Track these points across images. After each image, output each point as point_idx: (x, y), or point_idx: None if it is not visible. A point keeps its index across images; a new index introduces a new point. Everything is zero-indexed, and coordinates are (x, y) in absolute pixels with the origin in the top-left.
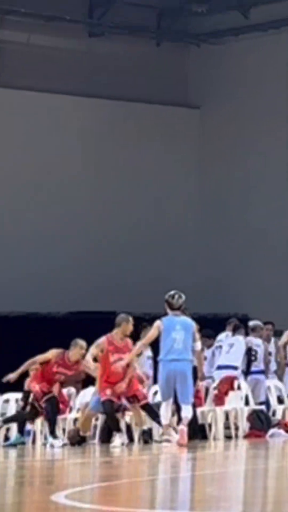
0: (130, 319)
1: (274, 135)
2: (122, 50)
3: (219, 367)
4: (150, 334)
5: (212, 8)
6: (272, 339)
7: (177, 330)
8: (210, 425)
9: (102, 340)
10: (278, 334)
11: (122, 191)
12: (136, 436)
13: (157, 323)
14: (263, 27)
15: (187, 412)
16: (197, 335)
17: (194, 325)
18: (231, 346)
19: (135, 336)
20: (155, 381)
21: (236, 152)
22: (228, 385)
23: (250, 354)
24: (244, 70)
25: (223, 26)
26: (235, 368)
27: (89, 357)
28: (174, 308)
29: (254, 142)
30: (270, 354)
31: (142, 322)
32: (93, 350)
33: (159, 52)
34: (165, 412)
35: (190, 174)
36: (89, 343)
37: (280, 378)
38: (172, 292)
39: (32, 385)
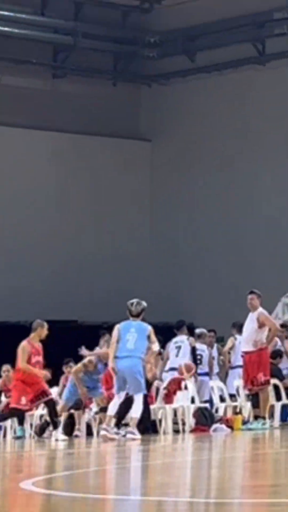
0: (45, 324)
1: (219, 166)
2: (82, 90)
3: (171, 369)
4: (113, 336)
5: (162, 53)
6: (215, 345)
7: (131, 332)
8: (160, 421)
9: (26, 344)
10: (219, 340)
11: (84, 216)
12: (95, 430)
13: (116, 326)
14: (208, 69)
15: (134, 411)
16: (154, 338)
17: (149, 329)
18: (178, 349)
19: (96, 343)
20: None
21: (183, 180)
22: (176, 385)
23: (195, 356)
24: (191, 107)
25: (171, 68)
26: None
27: (25, 363)
28: (132, 315)
29: (201, 172)
30: (213, 358)
31: (100, 330)
32: (24, 356)
33: (115, 91)
34: (113, 405)
35: (142, 199)
36: (54, 348)
37: (222, 379)
38: (133, 300)
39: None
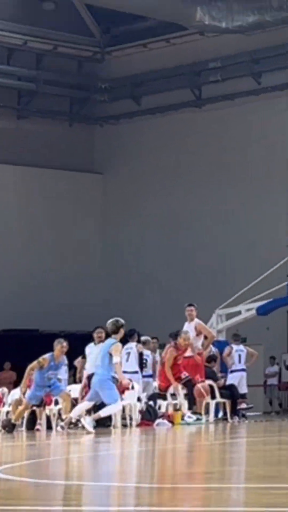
0: None
1: (162, 195)
2: (43, 129)
3: (123, 372)
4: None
5: (112, 97)
6: (157, 351)
7: (101, 349)
8: (110, 416)
9: None
10: (161, 346)
11: (44, 238)
12: (54, 425)
13: None
14: (152, 111)
15: (104, 411)
16: (115, 351)
17: (113, 346)
18: (128, 355)
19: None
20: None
21: (131, 207)
22: (124, 385)
23: (141, 360)
24: (137, 144)
25: (120, 111)
26: (135, 372)
27: None
28: (108, 332)
29: (146, 200)
30: (156, 362)
31: (57, 338)
32: None
33: (71, 131)
34: (78, 408)
35: (95, 224)
36: (18, 354)
37: None
38: (110, 320)
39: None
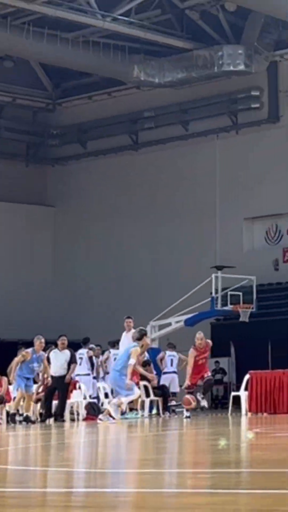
0: None
1: (105, 226)
2: (3, 169)
3: (77, 375)
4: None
5: (62, 142)
6: (100, 356)
7: (123, 350)
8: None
9: None
10: (103, 352)
11: (4, 261)
12: (17, 419)
13: None
14: (96, 154)
15: (126, 399)
16: (132, 355)
17: (133, 348)
18: (80, 359)
19: (14, 355)
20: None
21: (78, 235)
22: (73, 386)
23: (92, 364)
24: (84, 182)
25: (69, 153)
26: (87, 374)
27: None
28: (133, 339)
29: (92, 230)
30: (99, 366)
31: (18, 345)
32: None
33: (27, 170)
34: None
35: (47, 249)
36: None
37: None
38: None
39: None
